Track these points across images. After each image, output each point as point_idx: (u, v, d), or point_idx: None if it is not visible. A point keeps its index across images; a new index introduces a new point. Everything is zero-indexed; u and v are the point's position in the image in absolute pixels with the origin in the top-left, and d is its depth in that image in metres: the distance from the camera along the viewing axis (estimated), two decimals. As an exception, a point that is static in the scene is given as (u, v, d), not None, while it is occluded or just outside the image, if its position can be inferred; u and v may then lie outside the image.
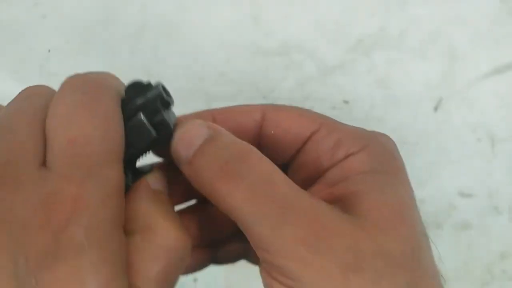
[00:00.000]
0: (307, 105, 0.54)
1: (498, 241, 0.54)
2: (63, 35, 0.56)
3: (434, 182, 0.54)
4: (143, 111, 0.26)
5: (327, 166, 0.28)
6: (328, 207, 0.25)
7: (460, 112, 0.53)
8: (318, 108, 0.54)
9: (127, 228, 0.25)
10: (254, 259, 0.34)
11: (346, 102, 0.54)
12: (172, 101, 0.28)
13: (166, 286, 0.24)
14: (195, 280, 0.55)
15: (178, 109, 0.30)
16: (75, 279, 0.20)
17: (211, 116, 0.31)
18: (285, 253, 0.23)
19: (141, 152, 0.27)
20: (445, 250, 0.54)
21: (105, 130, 0.23)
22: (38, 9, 0.56)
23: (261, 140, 0.30)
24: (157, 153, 0.30)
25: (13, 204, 0.21)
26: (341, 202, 0.26)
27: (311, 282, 0.23)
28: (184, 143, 0.27)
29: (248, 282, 0.53)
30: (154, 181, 0.27)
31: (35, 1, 0.56)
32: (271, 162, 0.26)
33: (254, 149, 0.26)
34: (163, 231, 0.25)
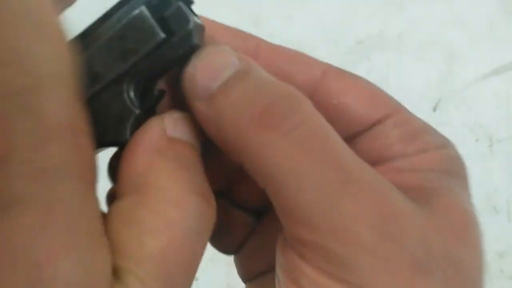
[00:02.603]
0: (307, 106, 0.54)
1: (496, 241, 0.54)
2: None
3: (433, 182, 0.54)
4: (147, 5, 0.19)
5: (396, 157, 0.23)
6: (398, 190, 0.20)
7: (458, 113, 0.54)
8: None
9: (118, 190, 0.19)
10: (220, 240, 0.27)
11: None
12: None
13: (175, 270, 0.18)
14: (196, 279, 0.55)
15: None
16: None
17: (256, 44, 0.24)
18: (342, 234, 0.18)
19: (150, 65, 0.20)
20: (443, 250, 0.55)
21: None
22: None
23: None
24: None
25: None
26: (408, 192, 0.21)
27: (370, 275, 0.18)
28: (205, 72, 0.20)
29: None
30: (173, 125, 0.20)
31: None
32: (327, 122, 0.20)
33: (306, 98, 0.20)
34: (165, 191, 0.18)
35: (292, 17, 0.54)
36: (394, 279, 0.18)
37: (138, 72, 0.19)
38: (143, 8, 0.19)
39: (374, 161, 0.23)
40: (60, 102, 0.16)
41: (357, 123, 0.24)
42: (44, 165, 0.16)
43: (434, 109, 0.54)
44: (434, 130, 0.24)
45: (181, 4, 0.19)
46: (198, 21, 0.20)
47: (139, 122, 0.20)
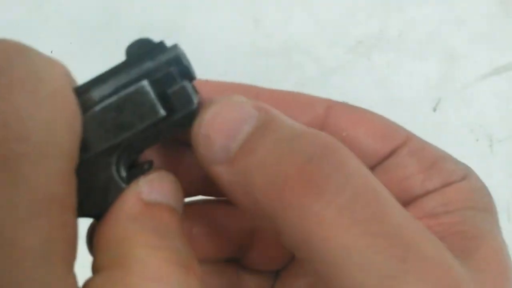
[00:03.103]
0: (307, 106, 0.54)
1: (496, 241, 0.54)
2: (66, 37, 0.56)
3: (433, 182, 0.54)
4: (150, 79, 0.18)
5: (418, 193, 0.21)
6: (452, 255, 0.17)
7: (458, 113, 0.54)
8: (318, 109, 0.55)
9: (96, 262, 0.17)
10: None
11: (345, 102, 0.54)
12: (194, 74, 0.19)
13: None
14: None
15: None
16: None
17: (255, 93, 0.22)
18: None
19: (144, 140, 0.18)
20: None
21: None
22: (41, 10, 0.57)
23: None
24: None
25: None
26: (450, 240, 0.19)
27: None
28: (221, 130, 0.17)
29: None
30: (149, 187, 0.18)
31: (38, 2, 0.57)
32: (370, 172, 0.18)
33: (345, 147, 0.17)
34: (143, 265, 0.16)
35: (292, 17, 0.55)
36: None
37: (131, 145, 0.18)
38: (145, 83, 0.18)
39: (397, 198, 0.19)
40: (52, 173, 0.15)
41: (371, 155, 0.22)
42: (27, 244, 0.14)
43: (434, 109, 0.54)
44: (453, 158, 0.22)
45: (186, 83, 0.18)
46: (198, 99, 0.19)
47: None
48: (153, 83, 0.18)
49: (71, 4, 0.56)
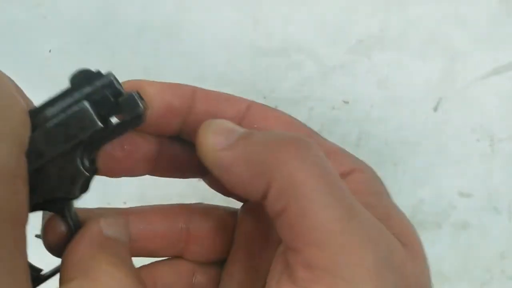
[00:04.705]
0: (307, 105, 0.54)
1: (497, 241, 0.54)
2: (64, 36, 0.56)
3: (434, 182, 0.54)
4: (89, 100, 0.24)
5: None
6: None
7: (459, 112, 0.54)
8: (318, 108, 0.54)
9: (66, 275, 0.22)
10: (213, 180, 0.30)
11: (346, 102, 0.54)
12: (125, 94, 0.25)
13: None
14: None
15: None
16: None
17: (192, 91, 0.28)
18: (346, 259, 0.21)
19: (96, 141, 0.25)
20: (444, 250, 0.54)
21: None
22: (38, 9, 0.56)
23: None
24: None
25: None
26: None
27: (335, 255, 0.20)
28: (221, 131, 0.24)
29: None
30: (108, 225, 0.24)
31: (36, 1, 0.56)
32: None
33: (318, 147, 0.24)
34: (109, 275, 0.21)
35: (292, 17, 0.54)
36: (361, 272, 0.20)
37: (89, 144, 0.24)
38: (86, 103, 0.24)
39: None
40: (10, 151, 0.20)
41: None
42: None
43: (435, 109, 0.54)
44: (347, 152, 0.28)
45: (133, 93, 0.24)
46: (144, 104, 0.25)
47: (87, 182, 0.25)
48: (92, 103, 0.24)
49: (69, 4, 0.56)
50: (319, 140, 0.28)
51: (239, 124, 0.26)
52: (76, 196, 0.25)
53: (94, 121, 0.24)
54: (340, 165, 0.26)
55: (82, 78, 0.24)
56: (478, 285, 0.54)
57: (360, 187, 0.25)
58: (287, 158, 0.21)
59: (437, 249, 0.54)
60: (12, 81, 0.24)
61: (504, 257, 0.54)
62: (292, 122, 0.28)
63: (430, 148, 0.54)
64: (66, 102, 0.24)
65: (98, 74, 0.24)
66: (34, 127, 0.23)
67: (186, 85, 0.28)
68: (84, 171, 0.24)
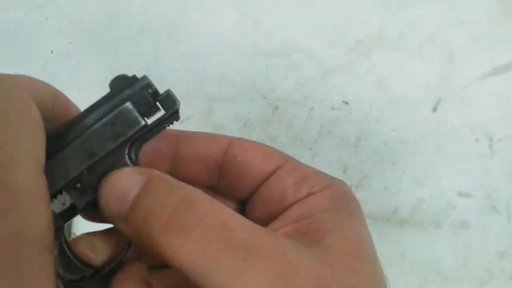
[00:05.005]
0: (307, 105, 0.54)
1: (496, 241, 0.54)
2: (66, 37, 0.56)
3: (433, 182, 0.54)
4: (131, 100, 0.26)
5: (290, 202, 0.28)
6: (292, 243, 0.24)
7: (458, 113, 0.54)
8: (318, 108, 0.55)
9: None
10: None
11: (345, 102, 0.54)
12: (160, 93, 0.27)
13: None
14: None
15: (179, 109, 0.30)
16: None
17: (175, 136, 0.30)
18: None
19: (142, 137, 0.27)
20: (443, 250, 0.55)
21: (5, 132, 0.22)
22: (40, 10, 0.57)
23: (224, 169, 0.30)
24: None
25: None
26: (305, 239, 0.25)
27: None
28: (115, 197, 0.25)
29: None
30: (143, 269, 0.27)
31: (38, 2, 0.57)
32: (223, 205, 0.24)
33: (201, 192, 0.25)
34: None
35: (292, 17, 0.55)
36: None
37: (136, 140, 0.26)
38: (129, 103, 0.26)
39: (275, 210, 0.29)
40: (28, 173, 0.21)
41: (257, 174, 0.29)
42: (10, 230, 0.19)
43: (434, 109, 0.54)
44: (322, 173, 0.29)
45: (169, 91, 0.26)
46: (179, 101, 0.27)
47: None
48: (134, 103, 0.26)
49: (70, 5, 0.56)
50: (295, 165, 0.29)
51: (223, 159, 0.29)
52: None
53: (138, 119, 0.26)
54: (313, 186, 0.28)
55: (121, 82, 0.26)
56: (477, 284, 0.54)
57: (321, 204, 0.27)
58: (169, 242, 0.23)
59: (436, 249, 0.54)
60: (44, 84, 0.26)
61: (503, 256, 0.54)
62: (269, 149, 0.30)
63: (429, 148, 0.54)
64: (110, 105, 0.26)
65: (134, 78, 0.27)
66: (81, 131, 0.26)
67: (170, 130, 0.29)
68: (131, 164, 0.26)
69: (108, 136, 0.26)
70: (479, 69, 0.53)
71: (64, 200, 0.26)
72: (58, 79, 0.52)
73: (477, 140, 0.54)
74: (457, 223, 0.54)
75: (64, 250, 0.26)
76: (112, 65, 0.55)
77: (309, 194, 0.28)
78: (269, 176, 0.29)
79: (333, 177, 0.30)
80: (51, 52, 0.56)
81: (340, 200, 0.28)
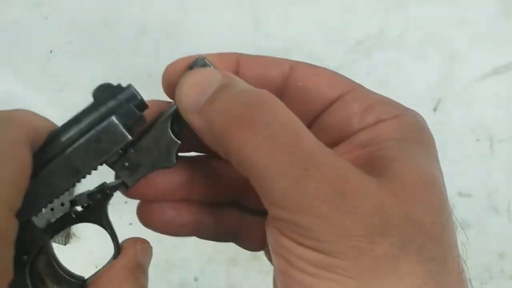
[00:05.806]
0: (307, 106, 0.54)
1: (497, 241, 0.54)
2: (65, 36, 0.56)
3: (433, 182, 0.54)
4: (116, 113, 0.25)
5: (355, 129, 0.27)
6: (354, 168, 0.23)
7: (459, 113, 0.54)
8: (318, 109, 0.55)
9: None
10: (243, 242, 0.32)
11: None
12: (147, 105, 0.26)
13: None
14: (195, 279, 0.55)
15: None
16: None
17: (235, 59, 0.28)
18: (306, 210, 0.22)
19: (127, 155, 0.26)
20: (444, 250, 0.55)
21: None
22: (40, 10, 0.57)
23: (285, 94, 0.28)
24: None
25: None
26: (369, 166, 0.25)
27: (331, 240, 0.22)
28: (195, 90, 0.25)
29: (249, 281, 0.54)
30: (143, 252, 0.28)
31: (37, 2, 0.57)
32: (296, 116, 0.24)
33: (276, 98, 0.24)
34: None
35: (292, 17, 0.55)
36: (351, 243, 0.22)
37: (178, 114, 0.26)
38: (114, 118, 0.25)
39: (338, 137, 0.27)
40: None
41: (321, 100, 0.28)
42: None
43: (435, 109, 0.54)
44: (393, 101, 0.28)
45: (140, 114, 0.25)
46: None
47: (178, 150, 0.27)
48: (119, 117, 0.25)
49: (70, 4, 0.56)
50: (362, 92, 0.28)
51: (284, 84, 0.28)
52: (174, 164, 0.27)
53: (124, 135, 0.25)
54: (382, 114, 0.27)
55: (104, 92, 0.25)
56: (477, 284, 0.54)
57: (390, 131, 0.26)
58: (239, 134, 0.23)
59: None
60: (42, 119, 0.26)
61: (504, 256, 0.54)
62: (333, 76, 0.28)
63: (429, 148, 0.54)
64: (94, 117, 0.25)
65: (119, 87, 0.26)
66: (66, 145, 0.25)
67: (230, 53, 0.29)
68: (176, 139, 0.27)
69: (93, 154, 0.25)
70: (479, 69, 0.53)
71: (52, 213, 0.27)
72: (58, 78, 0.52)
73: (477, 140, 0.54)
74: (457, 223, 0.54)
75: (51, 262, 0.26)
76: (111, 64, 0.55)
77: (377, 122, 0.27)
78: (332, 103, 0.28)
79: (406, 107, 0.28)
80: (51, 51, 0.56)
81: (411, 130, 0.26)
